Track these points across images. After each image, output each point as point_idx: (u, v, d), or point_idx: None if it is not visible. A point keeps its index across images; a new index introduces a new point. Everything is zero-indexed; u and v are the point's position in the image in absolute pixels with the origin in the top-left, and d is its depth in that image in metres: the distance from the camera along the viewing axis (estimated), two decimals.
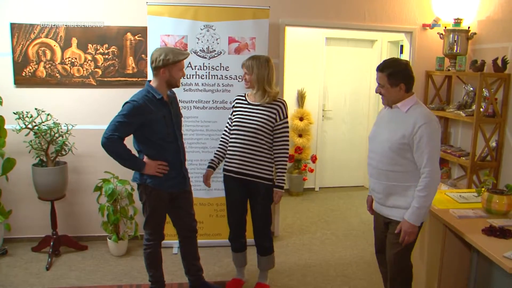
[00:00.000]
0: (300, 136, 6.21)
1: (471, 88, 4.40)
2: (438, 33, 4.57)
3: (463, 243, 2.82)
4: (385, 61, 2.71)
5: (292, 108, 6.18)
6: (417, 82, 4.73)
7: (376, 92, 2.73)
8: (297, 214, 5.52)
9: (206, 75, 4.14)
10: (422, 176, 2.59)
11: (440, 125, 2.69)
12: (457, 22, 4.43)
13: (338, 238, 4.79)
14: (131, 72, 4.23)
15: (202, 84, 4.15)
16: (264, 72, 3.23)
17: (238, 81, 4.11)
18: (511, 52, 4.02)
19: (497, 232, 2.64)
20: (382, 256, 2.99)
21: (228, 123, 3.46)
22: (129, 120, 2.88)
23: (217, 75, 4.15)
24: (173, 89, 3.18)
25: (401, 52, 6.36)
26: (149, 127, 2.95)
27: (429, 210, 2.75)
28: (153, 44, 3.98)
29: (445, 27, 4.47)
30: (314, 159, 6.31)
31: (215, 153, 3.47)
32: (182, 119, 3.31)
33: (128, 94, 3.07)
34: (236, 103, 3.40)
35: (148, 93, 2.98)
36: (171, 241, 4.17)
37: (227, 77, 4.16)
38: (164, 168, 3.04)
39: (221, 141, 3.48)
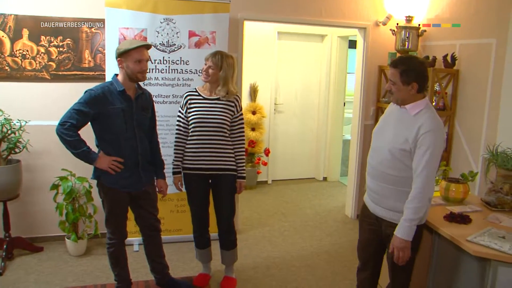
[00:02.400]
0: (253, 129, 6.25)
1: None
2: (390, 29, 4.75)
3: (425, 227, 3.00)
4: (400, 57, 2.54)
5: (244, 102, 6.20)
6: (370, 77, 4.96)
7: (387, 89, 2.57)
8: (253, 207, 5.56)
9: (166, 69, 4.07)
10: (414, 185, 2.41)
11: (444, 136, 2.51)
12: (409, 19, 4.63)
13: (296, 230, 4.89)
14: (87, 66, 4.06)
15: (162, 78, 4.07)
16: (231, 71, 3.30)
17: (199, 75, 4.07)
18: (459, 49, 4.28)
19: (458, 218, 2.84)
20: (364, 275, 2.90)
21: (180, 122, 3.38)
22: (85, 109, 2.83)
23: (177, 69, 4.09)
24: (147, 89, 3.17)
25: (350, 47, 6.56)
26: (105, 118, 2.90)
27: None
28: (111, 37, 3.86)
29: (397, 24, 4.67)
30: (267, 152, 6.38)
31: (177, 157, 3.39)
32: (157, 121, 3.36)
33: (84, 88, 2.98)
34: (190, 99, 3.35)
35: (111, 84, 2.97)
36: (131, 239, 4.07)
37: (187, 71, 4.11)
38: (118, 165, 2.96)
39: (179, 143, 3.38)
